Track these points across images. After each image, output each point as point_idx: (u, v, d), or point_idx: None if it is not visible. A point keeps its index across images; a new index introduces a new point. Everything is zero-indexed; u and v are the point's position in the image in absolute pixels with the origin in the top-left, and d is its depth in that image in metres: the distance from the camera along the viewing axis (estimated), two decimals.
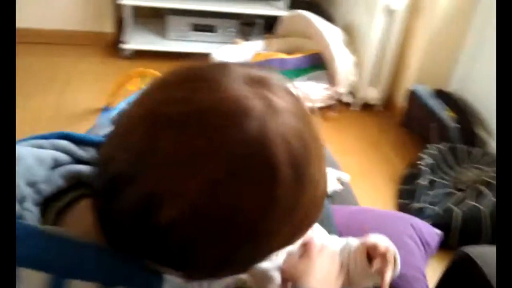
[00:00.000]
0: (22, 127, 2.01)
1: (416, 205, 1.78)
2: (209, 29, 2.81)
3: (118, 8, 2.71)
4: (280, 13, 2.71)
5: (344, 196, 1.33)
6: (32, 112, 2.15)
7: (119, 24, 2.80)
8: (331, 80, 2.42)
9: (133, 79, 2.01)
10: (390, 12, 2.24)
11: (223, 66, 0.38)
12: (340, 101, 2.44)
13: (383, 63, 2.39)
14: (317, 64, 2.42)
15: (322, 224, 0.88)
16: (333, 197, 1.30)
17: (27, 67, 2.52)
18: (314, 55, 2.42)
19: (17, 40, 2.67)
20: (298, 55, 2.42)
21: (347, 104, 2.48)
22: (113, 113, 1.71)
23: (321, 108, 2.39)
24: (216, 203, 0.33)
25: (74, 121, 2.05)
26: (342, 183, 1.34)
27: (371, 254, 0.71)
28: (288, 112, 0.36)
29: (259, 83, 0.36)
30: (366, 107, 2.50)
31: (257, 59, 2.37)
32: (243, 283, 0.63)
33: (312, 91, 2.31)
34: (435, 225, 1.29)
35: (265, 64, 2.33)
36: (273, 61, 2.34)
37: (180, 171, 0.33)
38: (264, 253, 0.39)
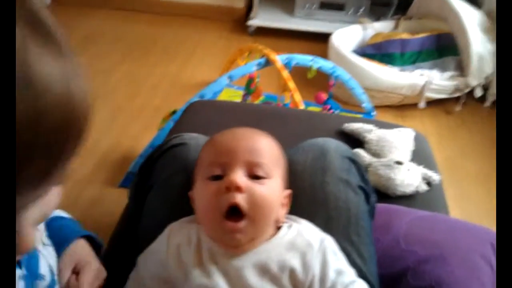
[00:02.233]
0: (144, 92, 2.18)
1: None
2: (337, 7, 2.69)
3: None
4: None
5: (430, 200, 1.16)
6: (154, 78, 2.31)
7: (251, 0, 2.83)
8: (462, 69, 2.13)
9: (243, 54, 2.02)
10: None
11: None
12: (469, 95, 2.14)
13: None
14: (446, 47, 2.14)
15: (346, 231, 0.77)
16: (415, 198, 1.14)
17: (158, 37, 2.70)
18: (443, 35, 2.14)
19: (154, 11, 2.90)
20: (423, 35, 2.17)
21: (478, 99, 2.16)
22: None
23: (444, 100, 2.13)
24: None
25: (186, 91, 2.14)
26: (429, 183, 1.16)
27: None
28: None
29: None
30: None
31: (375, 40, 2.19)
32: None
33: (436, 79, 2.07)
34: None
35: (384, 45, 2.14)
36: (393, 41, 2.13)
37: None
38: None
